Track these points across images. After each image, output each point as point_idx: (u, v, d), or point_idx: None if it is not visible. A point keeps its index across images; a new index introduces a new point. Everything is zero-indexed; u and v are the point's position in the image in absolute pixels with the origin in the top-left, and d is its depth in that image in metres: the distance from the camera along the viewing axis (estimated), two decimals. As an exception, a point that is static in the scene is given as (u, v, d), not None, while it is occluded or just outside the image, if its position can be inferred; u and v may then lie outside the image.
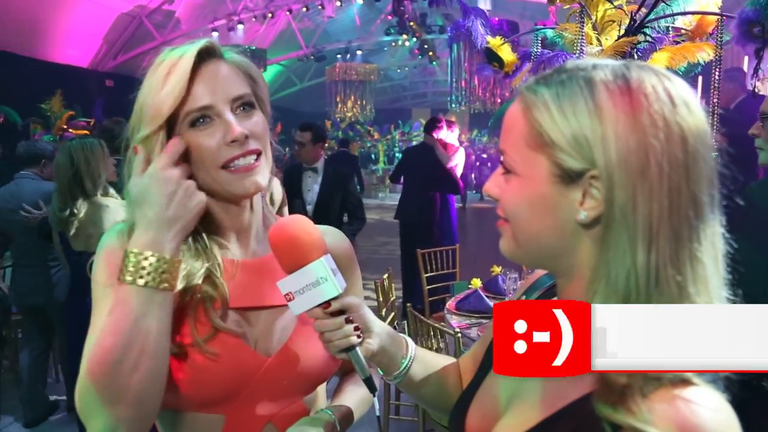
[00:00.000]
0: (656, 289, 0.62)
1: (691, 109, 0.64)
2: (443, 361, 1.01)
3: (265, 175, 0.94)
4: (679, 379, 0.61)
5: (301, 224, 0.85)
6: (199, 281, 0.92)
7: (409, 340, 0.95)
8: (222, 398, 0.93)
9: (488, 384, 0.84)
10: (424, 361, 0.96)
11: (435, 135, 5.50)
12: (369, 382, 0.88)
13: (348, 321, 0.85)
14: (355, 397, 1.09)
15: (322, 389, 1.06)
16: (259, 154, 0.93)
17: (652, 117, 0.62)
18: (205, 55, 0.92)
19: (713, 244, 0.65)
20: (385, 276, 3.76)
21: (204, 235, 0.96)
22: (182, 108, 0.90)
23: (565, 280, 0.73)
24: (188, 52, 0.90)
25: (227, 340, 0.93)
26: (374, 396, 0.89)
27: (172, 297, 0.88)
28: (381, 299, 3.54)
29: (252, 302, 0.97)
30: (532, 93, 0.69)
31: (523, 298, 0.92)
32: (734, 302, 0.67)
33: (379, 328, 0.89)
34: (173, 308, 0.89)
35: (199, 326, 0.92)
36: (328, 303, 0.83)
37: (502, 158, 0.72)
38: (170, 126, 0.91)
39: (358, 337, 0.85)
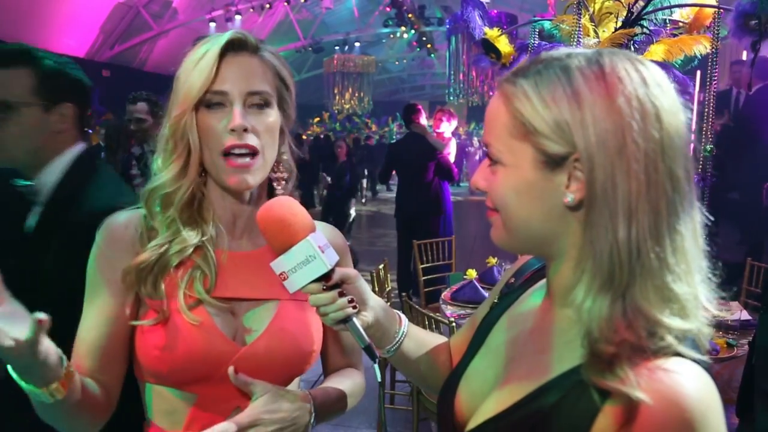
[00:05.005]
0: (638, 262, 0.64)
1: (663, 89, 0.68)
2: (435, 339, 1.03)
3: (257, 176, 0.98)
4: (664, 351, 0.63)
5: (287, 205, 0.88)
6: (190, 251, 0.96)
7: (403, 316, 0.98)
8: (194, 379, 0.97)
9: (477, 363, 0.87)
10: (417, 337, 0.98)
11: (419, 121, 5.30)
12: (368, 350, 0.89)
13: (342, 294, 0.87)
14: (341, 386, 1.10)
15: (294, 384, 1.07)
16: (255, 153, 0.96)
17: (627, 98, 0.65)
18: (237, 47, 0.98)
19: (691, 216, 0.68)
20: (381, 266, 3.77)
21: (200, 218, 1.00)
22: (208, 91, 0.96)
23: (556, 263, 0.75)
24: (219, 39, 0.96)
25: (207, 326, 0.96)
26: (375, 363, 0.91)
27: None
28: (376, 289, 3.56)
29: (234, 293, 1.00)
30: (511, 84, 0.72)
31: (512, 281, 0.93)
32: (714, 274, 0.69)
33: (374, 301, 0.92)
34: (167, 278, 0.96)
35: (186, 298, 0.96)
36: (323, 278, 0.86)
37: (487, 150, 0.75)
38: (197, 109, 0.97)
39: (354, 308, 0.87)
